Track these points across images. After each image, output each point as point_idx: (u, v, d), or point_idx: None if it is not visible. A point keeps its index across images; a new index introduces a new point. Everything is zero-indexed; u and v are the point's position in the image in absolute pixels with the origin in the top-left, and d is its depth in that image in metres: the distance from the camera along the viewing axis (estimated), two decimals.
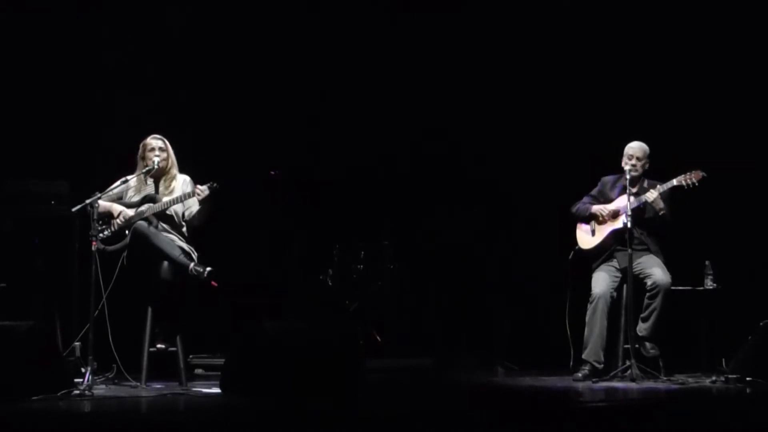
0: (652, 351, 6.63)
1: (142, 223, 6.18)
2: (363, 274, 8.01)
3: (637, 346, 6.60)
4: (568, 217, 7.03)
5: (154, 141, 6.39)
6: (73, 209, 5.98)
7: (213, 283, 6.10)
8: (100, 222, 6.21)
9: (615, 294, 6.78)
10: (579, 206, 7.00)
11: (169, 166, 6.40)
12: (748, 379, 6.20)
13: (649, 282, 6.65)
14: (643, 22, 7.87)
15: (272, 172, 7.81)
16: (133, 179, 6.39)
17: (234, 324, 7.08)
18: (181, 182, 6.39)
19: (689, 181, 6.58)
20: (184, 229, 6.43)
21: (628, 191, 6.67)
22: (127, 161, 6.48)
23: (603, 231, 6.88)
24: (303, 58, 8.27)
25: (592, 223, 6.96)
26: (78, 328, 6.15)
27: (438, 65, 8.34)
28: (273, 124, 8.18)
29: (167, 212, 6.32)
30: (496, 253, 8.19)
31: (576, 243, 7.01)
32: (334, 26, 8.27)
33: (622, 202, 6.70)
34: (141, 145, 6.41)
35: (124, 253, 6.20)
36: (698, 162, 6.71)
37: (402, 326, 8.14)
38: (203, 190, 6.16)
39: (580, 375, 6.68)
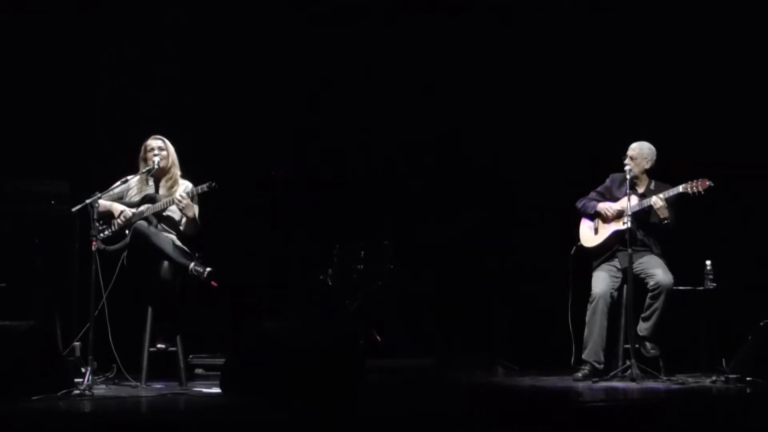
0: (652, 351, 6.64)
1: (143, 223, 6.18)
2: (363, 274, 8.02)
3: (637, 346, 6.61)
4: (572, 212, 7.01)
5: (154, 141, 6.39)
6: (74, 209, 5.98)
7: (213, 283, 6.10)
8: (101, 222, 6.21)
9: (615, 294, 6.78)
10: (585, 202, 6.99)
11: (169, 166, 6.40)
12: (748, 378, 6.21)
13: (651, 282, 6.65)
14: (654, 22, 7.86)
15: (272, 173, 7.82)
16: (133, 179, 6.40)
17: (234, 324, 7.08)
18: (182, 188, 6.37)
19: (695, 189, 6.55)
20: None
21: (627, 191, 6.66)
22: (128, 161, 6.48)
23: (606, 230, 6.87)
24: (303, 59, 8.27)
25: (597, 221, 6.95)
26: (78, 327, 6.14)
27: (439, 65, 8.34)
28: (273, 124, 8.18)
29: (166, 213, 6.32)
30: (495, 253, 8.19)
31: (578, 239, 7.00)
32: (335, 26, 8.26)
33: (627, 201, 6.69)
34: (142, 146, 6.41)
35: (124, 253, 6.20)
36: (699, 162, 6.72)
37: (402, 326, 8.14)
38: (182, 198, 6.14)
39: (580, 375, 6.68)
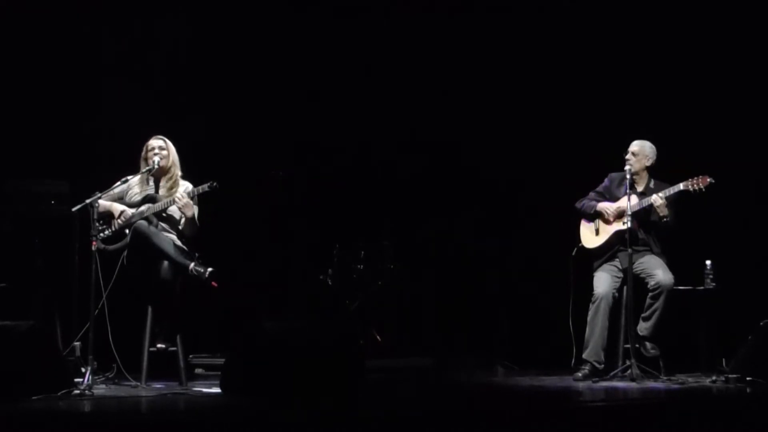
0: (652, 351, 6.63)
1: (143, 223, 6.18)
2: (363, 274, 8.02)
3: (637, 345, 6.60)
4: (572, 213, 7.01)
5: (155, 141, 6.40)
6: (74, 209, 5.98)
7: (213, 283, 6.10)
8: (101, 222, 6.21)
9: (616, 294, 6.78)
10: (584, 202, 6.98)
11: (169, 166, 6.40)
12: (748, 378, 6.20)
13: (651, 282, 6.64)
14: (653, 21, 7.86)
15: (273, 172, 7.82)
16: (134, 179, 6.40)
17: (234, 324, 7.07)
18: (182, 189, 6.37)
19: (696, 187, 6.55)
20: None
21: (627, 190, 6.66)
22: (128, 161, 6.48)
23: (608, 231, 6.86)
24: (304, 59, 8.26)
25: (597, 221, 6.94)
26: (78, 327, 6.14)
27: (440, 65, 8.33)
28: (274, 123, 8.18)
29: (166, 213, 6.32)
30: (495, 253, 8.18)
31: (579, 240, 7.00)
32: (335, 26, 8.26)
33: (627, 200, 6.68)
34: (144, 146, 6.41)
35: (125, 253, 6.20)
36: (699, 161, 6.71)
37: (402, 326, 8.14)
38: (179, 199, 6.15)
39: (580, 375, 6.68)
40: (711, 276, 6.87)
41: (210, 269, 6.06)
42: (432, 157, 8.50)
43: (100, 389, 5.88)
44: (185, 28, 8.01)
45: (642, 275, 6.70)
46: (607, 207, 6.88)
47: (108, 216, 6.31)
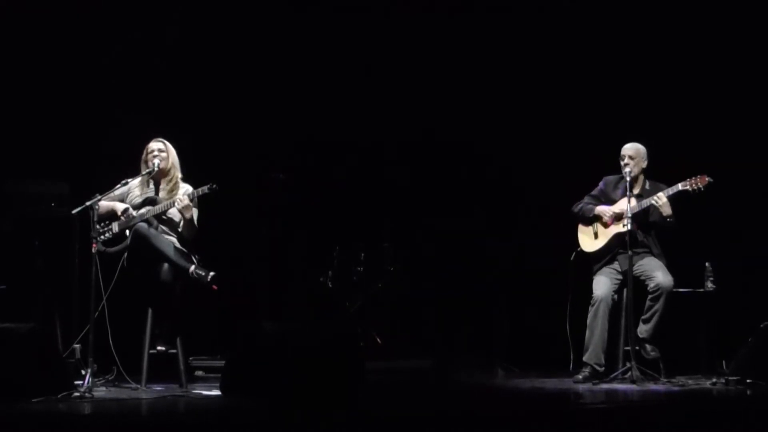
0: (652, 353, 6.63)
1: (143, 225, 6.18)
2: (363, 276, 8.02)
3: (637, 348, 6.60)
4: (569, 216, 7.02)
5: (155, 143, 6.40)
6: (74, 211, 5.98)
7: (213, 287, 6.10)
8: (101, 224, 6.21)
9: (616, 296, 6.78)
10: (582, 206, 6.98)
11: (168, 168, 6.40)
12: (748, 380, 6.20)
13: (651, 284, 6.64)
14: (651, 23, 7.87)
15: (273, 174, 7.82)
16: (134, 182, 6.40)
17: (234, 326, 7.07)
18: (182, 191, 6.37)
19: (695, 186, 6.55)
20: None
21: (628, 193, 6.67)
22: (128, 163, 6.48)
23: (607, 234, 6.86)
24: (303, 59, 8.26)
25: (595, 224, 6.94)
26: (78, 329, 6.15)
27: (440, 66, 8.33)
28: (273, 126, 8.18)
29: (166, 215, 6.32)
30: (496, 255, 8.18)
31: (577, 244, 7.00)
32: (335, 26, 8.26)
33: (626, 203, 6.69)
34: (144, 149, 6.42)
35: (125, 255, 6.20)
36: (699, 163, 6.71)
37: (402, 328, 8.14)
38: (180, 201, 6.15)
39: (580, 377, 6.67)
40: (711, 278, 6.88)
41: (211, 272, 6.06)
42: (432, 159, 8.50)
43: (101, 391, 5.87)
44: (185, 29, 8.01)
45: (642, 277, 6.70)
46: (605, 210, 6.88)
47: (110, 217, 6.30)
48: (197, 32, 8.03)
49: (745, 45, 7.67)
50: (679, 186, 6.63)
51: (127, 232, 6.23)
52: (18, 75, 7.51)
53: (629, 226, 6.59)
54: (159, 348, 6.20)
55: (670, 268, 6.72)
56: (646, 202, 6.70)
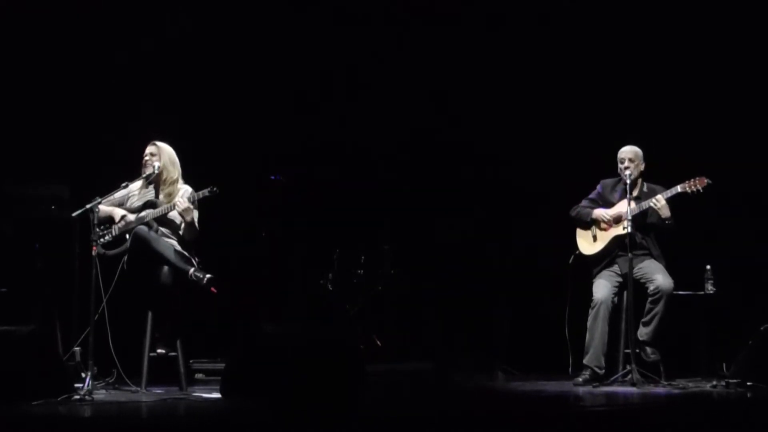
0: (652, 356, 6.63)
1: (143, 228, 6.18)
2: (363, 279, 8.01)
3: (637, 350, 6.60)
4: (568, 218, 7.02)
5: (148, 147, 6.43)
6: (74, 214, 5.98)
7: (213, 289, 6.10)
8: (101, 227, 6.21)
9: (616, 299, 6.77)
10: (579, 210, 6.99)
11: (165, 173, 6.40)
12: (748, 383, 6.19)
13: (651, 287, 6.64)
14: (650, 24, 7.87)
15: (272, 177, 7.82)
16: (134, 185, 6.41)
17: (234, 328, 7.07)
18: (182, 192, 6.38)
19: (694, 188, 6.56)
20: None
21: (628, 196, 6.67)
22: (129, 166, 6.48)
23: (605, 237, 6.87)
24: (303, 62, 8.26)
25: (593, 228, 6.95)
26: (78, 332, 6.15)
27: (439, 68, 8.33)
28: (273, 128, 8.18)
29: (167, 217, 6.33)
30: (496, 258, 8.18)
31: (576, 248, 7.01)
32: (335, 28, 8.26)
33: (624, 206, 6.69)
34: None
35: (125, 258, 6.21)
36: (698, 166, 6.71)
37: (402, 330, 8.13)
38: (180, 203, 6.16)
39: (580, 380, 6.68)
40: (711, 280, 6.88)
41: (209, 275, 6.06)
42: (432, 161, 8.49)
43: (101, 394, 5.88)
44: (186, 30, 8.01)
45: (642, 280, 6.70)
46: (603, 214, 6.88)
47: (109, 221, 6.31)
48: (197, 33, 8.03)
49: (743, 46, 7.67)
50: (678, 188, 6.63)
51: (127, 235, 6.24)
52: (19, 77, 7.51)
53: (629, 229, 6.59)
54: (159, 351, 6.21)
55: (670, 270, 6.72)
56: (644, 205, 6.70)
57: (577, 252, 6.99)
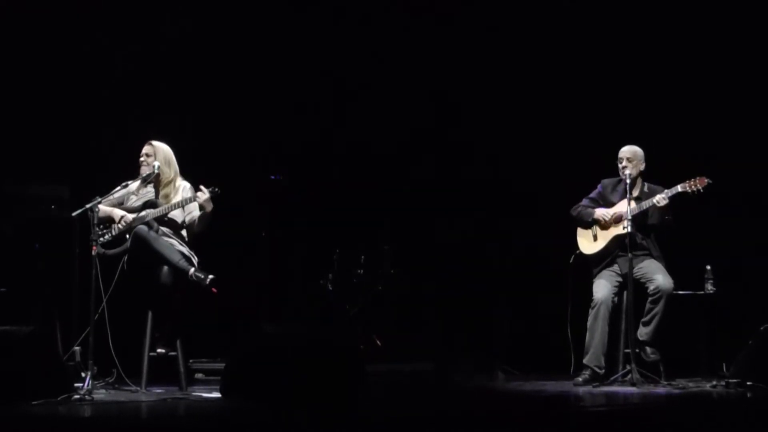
0: (652, 356, 6.63)
1: (143, 228, 6.19)
2: (363, 279, 8.01)
3: (637, 350, 6.60)
4: (569, 218, 7.02)
5: (144, 147, 6.43)
6: (74, 214, 5.98)
7: (213, 290, 6.10)
8: (101, 226, 6.21)
9: (616, 299, 6.77)
10: (580, 210, 6.99)
11: (165, 173, 6.40)
12: (748, 383, 6.19)
13: (651, 287, 6.64)
14: (650, 24, 7.87)
15: (273, 177, 7.82)
16: (133, 185, 6.40)
17: (234, 328, 7.08)
18: (181, 189, 6.39)
19: (694, 188, 6.55)
20: (185, 233, 6.44)
21: (629, 194, 6.67)
22: (128, 166, 6.48)
23: (606, 236, 6.87)
24: (303, 62, 8.27)
25: (594, 227, 6.94)
26: (78, 332, 6.15)
27: (439, 67, 8.33)
28: (274, 128, 8.18)
29: (168, 216, 6.33)
30: (496, 258, 8.18)
31: (576, 247, 7.01)
32: (334, 28, 8.26)
33: (624, 206, 6.69)
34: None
35: (125, 258, 6.21)
36: (698, 165, 6.71)
37: (402, 330, 8.13)
38: (201, 195, 6.17)
39: (580, 380, 6.67)
40: (711, 280, 6.88)
41: (211, 276, 6.06)
42: (432, 162, 8.49)
43: (101, 394, 5.88)
44: (185, 31, 8.01)
45: (642, 280, 6.70)
46: (604, 213, 6.88)
47: (108, 221, 6.31)
48: (197, 33, 8.03)
49: (743, 46, 7.67)
50: (678, 188, 6.63)
51: (127, 235, 6.24)
52: (19, 78, 7.51)
53: (629, 229, 6.59)
54: (159, 350, 6.21)
55: (670, 270, 6.72)
56: (645, 204, 6.70)
57: (578, 251, 6.99)
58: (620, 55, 7.94)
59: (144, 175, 6.36)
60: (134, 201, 6.44)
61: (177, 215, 6.35)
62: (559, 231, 7.22)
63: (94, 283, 5.88)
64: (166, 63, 7.94)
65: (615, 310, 6.75)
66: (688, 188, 6.59)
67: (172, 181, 6.43)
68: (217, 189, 6.16)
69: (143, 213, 6.31)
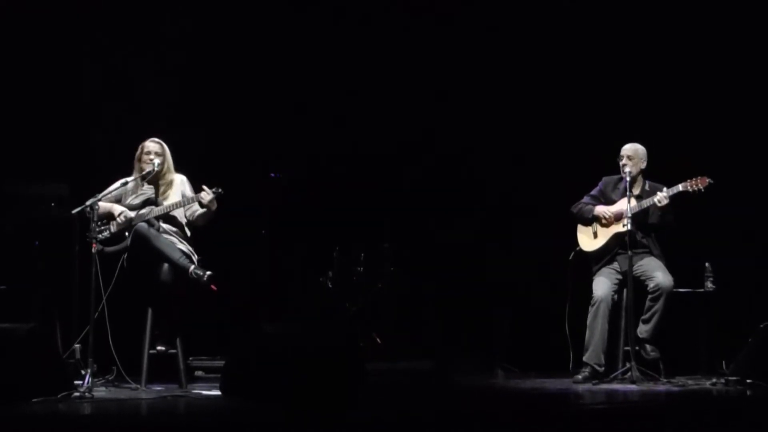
0: (652, 353, 6.63)
1: (143, 225, 6.19)
2: (363, 277, 8.02)
3: (637, 348, 6.60)
4: (569, 218, 7.02)
5: (152, 145, 6.41)
6: (73, 211, 5.98)
7: (212, 287, 6.10)
8: (100, 223, 6.21)
9: (616, 297, 6.78)
10: (581, 207, 6.99)
11: (164, 171, 6.41)
12: (748, 381, 6.19)
13: (651, 284, 6.65)
14: (650, 23, 7.88)
15: (272, 175, 7.82)
16: (131, 182, 6.39)
17: (234, 326, 7.08)
18: (179, 182, 6.40)
19: (695, 187, 6.56)
20: (186, 230, 6.45)
21: (628, 193, 6.67)
22: (128, 164, 6.48)
23: (606, 234, 6.87)
24: (303, 62, 8.27)
25: (594, 224, 6.94)
26: (78, 330, 6.15)
27: (438, 67, 8.33)
28: (273, 127, 8.19)
29: (169, 214, 6.33)
30: (495, 256, 8.18)
31: (577, 244, 7.01)
32: (334, 28, 8.27)
33: (625, 204, 6.69)
34: (140, 146, 6.42)
35: (125, 255, 6.21)
36: (698, 163, 6.72)
37: (402, 329, 8.13)
38: (205, 196, 6.17)
39: (580, 377, 6.67)
40: (711, 278, 6.88)
41: (209, 273, 6.06)
42: (432, 160, 8.50)
43: (100, 392, 5.88)
44: (186, 30, 8.02)
45: (642, 277, 6.70)
46: (604, 211, 6.88)
47: (108, 217, 6.31)
48: (197, 33, 8.03)
49: (744, 45, 7.67)
50: (680, 187, 6.63)
51: (127, 232, 6.24)
52: (18, 76, 7.51)
53: (629, 226, 6.59)
54: (159, 348, 6.21)
55: (670, 268, 6.73)
56: (646, 203, 6.70)
57: (578, 248, 6.99)
58: (622, 54, 7.94)
59: (144, 172, 6.35)
60: (132, 198, 6.43)
61: (178, 212, 6.36)
62: (558, 231, 7.22)
63: (94, 281, 5.88)
64: (167, 62, 7.95)
65: (615, 308, 6.75)
66: (689, 188, 6.59)
67: (172, 179, 6.43)
68: (220, 189, 6.17)
69: (144, 211, 6.31)
